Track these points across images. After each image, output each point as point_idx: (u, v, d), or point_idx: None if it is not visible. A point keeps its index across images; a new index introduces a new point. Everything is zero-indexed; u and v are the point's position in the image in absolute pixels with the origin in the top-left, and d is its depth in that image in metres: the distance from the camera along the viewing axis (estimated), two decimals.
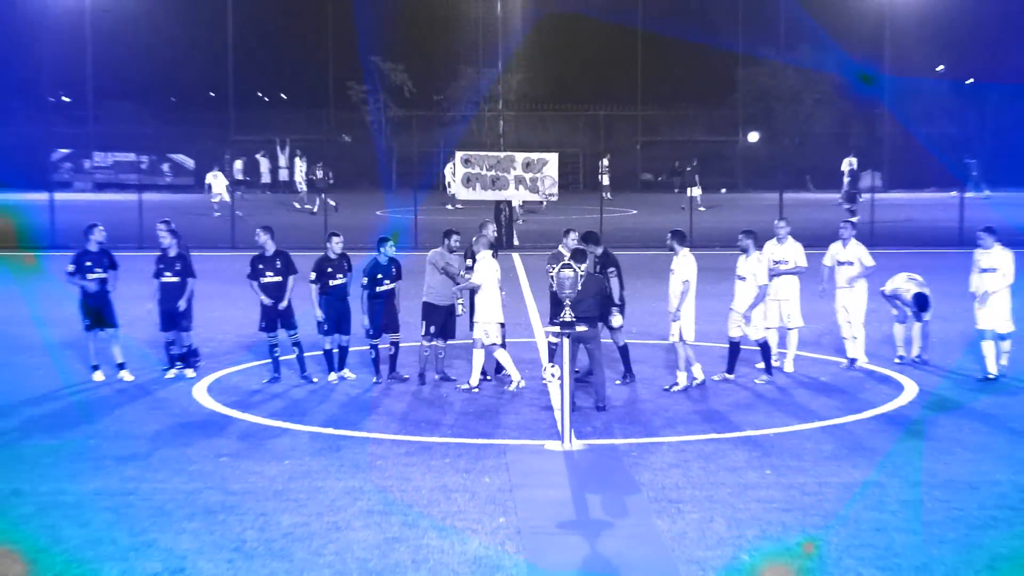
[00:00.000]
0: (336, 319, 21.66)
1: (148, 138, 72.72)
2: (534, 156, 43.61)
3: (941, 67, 76.99)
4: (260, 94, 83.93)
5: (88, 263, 21.79)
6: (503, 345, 21.61)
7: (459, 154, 44.63)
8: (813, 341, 25.03)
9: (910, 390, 20.83)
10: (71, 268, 21.74)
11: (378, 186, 68.25)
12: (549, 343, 21.32)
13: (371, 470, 16.08)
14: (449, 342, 22.18)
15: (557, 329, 17.65)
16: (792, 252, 22.61)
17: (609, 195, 63.24)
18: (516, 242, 44.59)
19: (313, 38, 55.98)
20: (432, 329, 21.68)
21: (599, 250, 21.46)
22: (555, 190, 43.61)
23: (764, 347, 21.85)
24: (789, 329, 22.59)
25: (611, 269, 21.23)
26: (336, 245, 21.59)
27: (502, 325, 21.62)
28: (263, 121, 72.96)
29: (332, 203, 54.72)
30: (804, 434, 17.95)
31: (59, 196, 53.21)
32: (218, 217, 51.58)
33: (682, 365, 21.15)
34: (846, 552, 13.00)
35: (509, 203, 45.07)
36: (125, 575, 12.45)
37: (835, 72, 72.28)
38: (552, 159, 43.47)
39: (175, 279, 22.00)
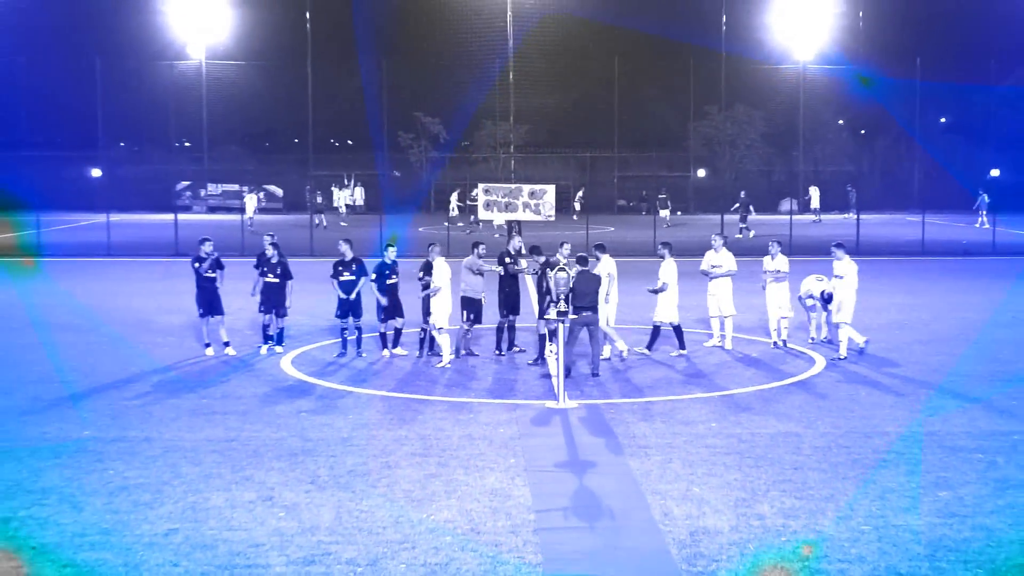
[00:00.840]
0: (392, 309, 21.61)
1: (248, 173, 72.73)
2: (537, 187, 43.48)
3: (841, 121, 76.94)
4: (332, 140, 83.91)
5: (196, 265, 21.80)
6: (471, 325, 21.49)
7: (481, 185, 44.40)
8: (748, 327, 24.89)
9: (819, 363, 20.69)
10: (196, 265, 21.78)
11: (419, 209, 68.16)
12: (548, 327, 21.16)
13: (414, 423, 16.01)
14: (476, 326, 22.09)
15: (554, 316, 17.58)
16: (725, 259, 22.44)
17: (575, 217, 63.41)
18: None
19: (373, 97, 56.00)
20: (471, 316, 21.57)
21: (541, 259, 21.34)
22: (552, 212, 43.44)
23: (677, 329, 21.72)
24: (724, 317, 22.45)
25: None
26: (391, 252, 21.53)
27: (473, 316, 21.45)
28: (334, 160, 72.86)
29: (321, 222, 55.37)
30: (740, 396, 17.84)
31: (181, 216, 53.21)
32: (252, 231, 51.19)
33: (612, 335, 21.07)
34: (772, 486, 12.88)
35: (519, 222, 44.91)
36: (229, 502, 12.36)
37: (762, 124, 72.32)
38: (550, 189, 43.34)
39: (276, 280, 21.96)
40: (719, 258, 22.51)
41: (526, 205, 42.77)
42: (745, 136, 73.42)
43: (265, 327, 22.25)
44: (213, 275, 21.79)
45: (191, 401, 17.54)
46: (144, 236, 51.52)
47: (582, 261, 19.79)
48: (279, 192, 76.42)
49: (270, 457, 14.15)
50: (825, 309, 22.69)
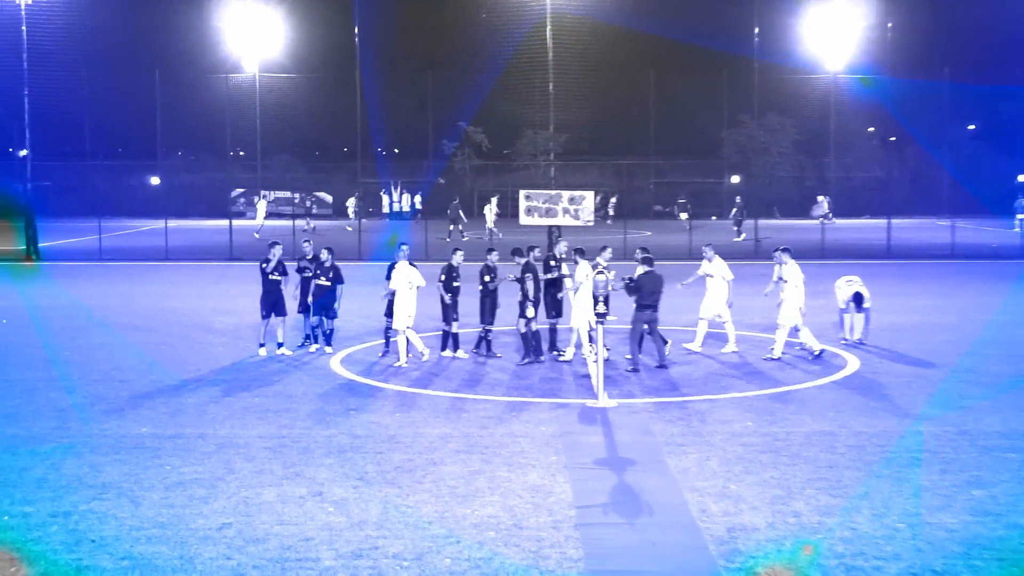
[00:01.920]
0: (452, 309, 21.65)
1: (299, 181, 73.05)
2: (576, 193, 43.30)
3: (871, 128, 76.17)
4: (380, 149, 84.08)
5: (263, 266, 21.88)
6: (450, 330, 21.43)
7: (522, 192, 44.33)
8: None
9: (852, 364, 20.40)
10: (263, 266, 21.86)
11: (464, 214, 68.13)
12: (589, 329, 21.00)
13: (459, 421, 15.92)
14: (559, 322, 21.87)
15: (593, 318, 17.49)
16: (718, 268, 22.13)
17: (609, 221, 63.46)
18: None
19: (418, 108, 56.02)
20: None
21: (524, 260, 21.12)
22: (591, 217, 43.20)
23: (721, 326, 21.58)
24: (723, 321, 22.08)
25: (528, 275, 20.89)
26: (458, 256, 21.55)
27: (454, 320, 21.38)
28: (381, 168, 73.00)
29: (310, 226, 55.65)
30: (775, 396, 17.61)
31: (236, 222, 53.52)
32: (257, 238, 51.14)
33: (573, 340, 20.92)
34: (808, 484, 12.67)
35: (559, 228, 44.70)
36: (280, 496, 12.31)
37: (793, 131, 71.77)
38: (589, 195, 43.08)
39: (327, 283, 21.97)
40: (712, 267, 22.20)
41: (565, 211, 42.61)
42: (777, 143, 72.94)
43: (314, 328, 22.24)
44: (278, 278, 21.84)
45: (245, 399, 17.54)
46: (200, 241, 51.89)
47: (647, 261, 19.91)
48: (329, 199, 76.72)
49: (320, 454, 14.09)
50: (859, 310, 22.39)
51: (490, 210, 59.56)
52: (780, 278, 21.29)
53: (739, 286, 23.30)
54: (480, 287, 21.48)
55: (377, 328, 23.78)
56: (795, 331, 21.21)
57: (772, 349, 21.05)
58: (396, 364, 20.54)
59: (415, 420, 15.99)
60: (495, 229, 54.29)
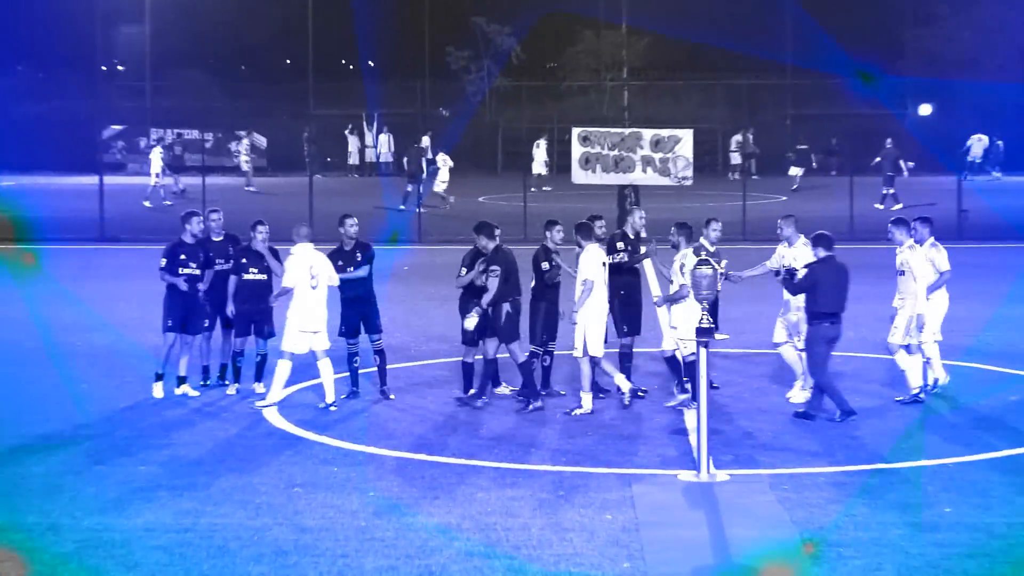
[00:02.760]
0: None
1: (214, 113, 73.25)
2: (664, 133, 43.35)
3: None
4: (344, 61, 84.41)
5: (183, 256, 21.97)
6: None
7: (576, 131, 44.44)
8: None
9: None
10: (164, 263, 21.97)
11: (481, 168, 68.37)
12: (676, 355, 20.95)
13: (469, 503, 15.94)
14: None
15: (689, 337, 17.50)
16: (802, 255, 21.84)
17: (735, 176, 63.52)
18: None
19: None
20: (544, 335, 21.69)
21: (491, 244, 21.21)
22: (690, 172, 43.39)
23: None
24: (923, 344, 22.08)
25: (494, 268, 20.96)
26: (559, 234, 21.82)
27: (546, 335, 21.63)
28: (348, 93, 73.30)
29: (179, 187, 56.18)
30: (982, 464, 17.54)
31: (112, 180, 53.82)
32: (163, 204, 51.58)
33: (585, 384, 20.90)
34: None
35: (636, 189, 44.73)
36: None
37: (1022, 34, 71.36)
38: (686, 136, 43.22)
39: (262, 276, 22.03)
40: (794, 252, 21.80)
41: (647, 162, 42.71)
42: (992, 48, 72.51)
43: (236, 354, 22.28)
44: (196, 272, 22.00)
45: (125, 468, 17.58)
46: (53, 211, 51.99)
47: (824, 242, 20.11)
48: (262, 142, 77.01)
49: (245, 557, 14.13)
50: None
51: (538, 158, 59.90)
52: (903, 267, 21.15)
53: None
54: (533, 283, 21.73)
55: (335, 352, 23.86)
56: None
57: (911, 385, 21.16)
58: (258, 404, 21.00)
59: (400, 502, 16.00)
60: (446, 195, 54.23)
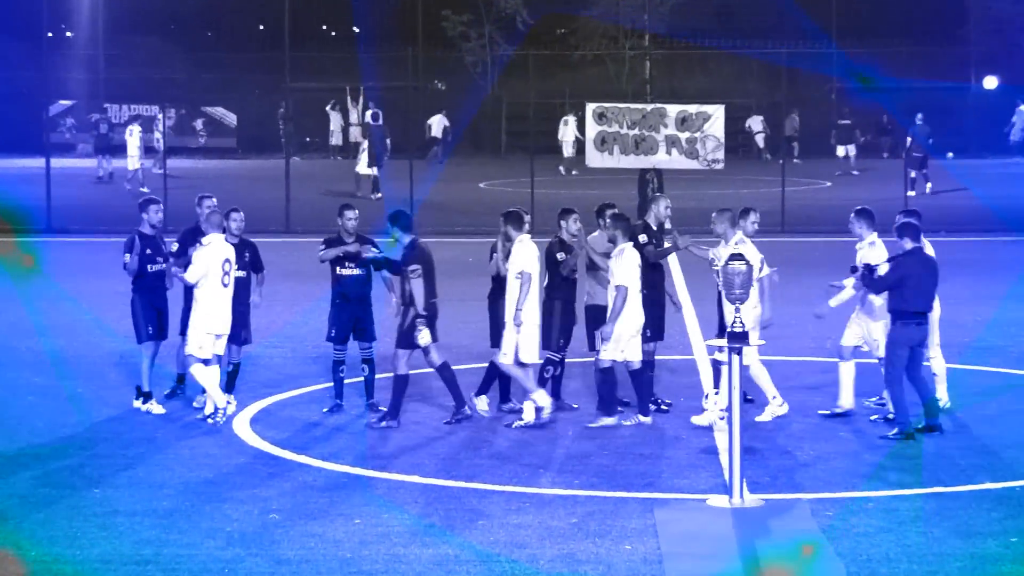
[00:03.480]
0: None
1: (176, 86, 73.24)
2: (692, 109, 43.33)
3: None
4: (325, 27, 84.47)
5: (148, 251, 22.07)
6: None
7: (591, 107, 44.45)
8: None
9: None
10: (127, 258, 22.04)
11: (481, 150, 68.39)
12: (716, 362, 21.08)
13: (470, 532, 16.01)
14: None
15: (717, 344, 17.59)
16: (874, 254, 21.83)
17: (768, 156, 63.99)
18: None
19: None
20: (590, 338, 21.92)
21: (407, 239, 21.28)
22: (720, 155, 43.36)
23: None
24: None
25: (414, 267, 21.06)
26: (575, 224, 21.98)
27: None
28: (329, 64, 73.33)
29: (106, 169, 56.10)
30: None
31: (60, 163, 53.79)
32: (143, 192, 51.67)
33: (531, 385, 21.12)
34: None
35: (659, 173, 44.79)
36: None
37: None
38: (717, 113, 43.20)
39: (240, 273, 22.11)
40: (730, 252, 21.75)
41: (673, 142, 42.73)
42: None
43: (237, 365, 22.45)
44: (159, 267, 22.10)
45: (77, 495, 17.65)
46: None
47: (911, 232, 20.26)
48: (231, 119, 77.01)
49: None
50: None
51: (567, 136, 59.96)
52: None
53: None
54: (547, 281, 21.90)
55: (310, 355, 23.93)
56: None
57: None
58: (200, 416, 21.23)
59: (390, 530, 16.06)
60: (374, 193, 53.86)
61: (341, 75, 73.19)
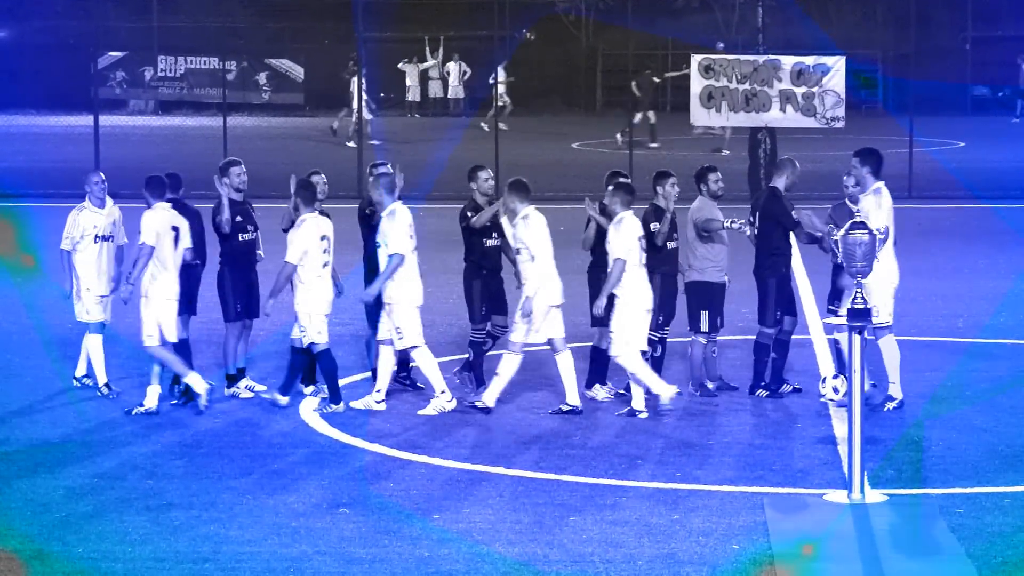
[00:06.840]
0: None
1: (236, 36, 73.36)
2: (809, 61, 43.18)
3: None
4: None
5: (239, 219, 22.18)
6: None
7: (696, 58, 44.39)
8: None
9: None
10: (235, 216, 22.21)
11: (574, 107, 68.30)
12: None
13: (560, 529, 16.05)
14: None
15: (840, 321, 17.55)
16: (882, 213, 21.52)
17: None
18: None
19: None
20: (715, 320, 21.91)
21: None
22: (841, 112, 43.17)
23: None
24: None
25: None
26: (484, 179, 22.20)
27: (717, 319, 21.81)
28: (404, 13, 73.29)
29: None
30: None
31: (107, 120, 54.00)
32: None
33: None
34: None
35: (772, 132, 44.66)
36: None
37: None
38: (837, 66, 43.02)
39: (249, 235, 22.19)
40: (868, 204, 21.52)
41: (788, 98, 42.59)
42: None
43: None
44: (252, 236, 22.33)
45: (128, 485, 17.81)
46: (32, 159, 52.29)
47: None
48: (297, 72, 77.13)
49: None
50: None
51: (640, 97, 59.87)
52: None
53: None
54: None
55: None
56: None
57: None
58: (136, 411, 21.14)
59: (472, 525, 16.12)
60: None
61: (416, 25, 73.11)
